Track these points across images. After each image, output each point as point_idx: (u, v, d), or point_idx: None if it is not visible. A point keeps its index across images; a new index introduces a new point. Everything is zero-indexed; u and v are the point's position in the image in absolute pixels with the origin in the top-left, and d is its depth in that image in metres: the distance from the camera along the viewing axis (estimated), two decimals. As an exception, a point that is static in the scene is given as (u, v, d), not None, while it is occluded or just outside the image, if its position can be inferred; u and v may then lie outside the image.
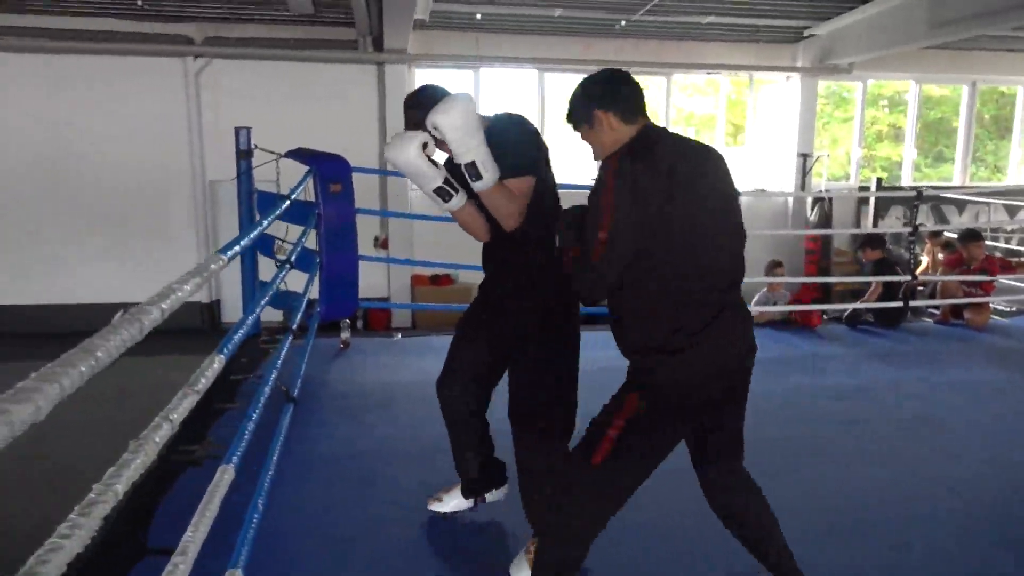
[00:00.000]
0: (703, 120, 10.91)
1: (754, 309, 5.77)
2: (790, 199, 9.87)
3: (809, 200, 9.55)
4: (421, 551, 2.46)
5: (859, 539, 2.50)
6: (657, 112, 9.82)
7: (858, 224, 9.76)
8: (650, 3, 7.89)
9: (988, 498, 2.82)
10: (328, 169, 4.30)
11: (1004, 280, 6.22)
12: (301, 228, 4.25)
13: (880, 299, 5.70)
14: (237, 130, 4.65)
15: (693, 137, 2.24)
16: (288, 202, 3.18)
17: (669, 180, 1.73)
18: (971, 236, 5.95)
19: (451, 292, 8.77)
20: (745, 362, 1.90)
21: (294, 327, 3.70)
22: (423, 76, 8.87)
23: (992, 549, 2.46)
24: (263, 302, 3.04)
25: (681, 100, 11.06)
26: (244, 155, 4.62)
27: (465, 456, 2.44)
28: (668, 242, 1.75)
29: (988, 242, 9.22)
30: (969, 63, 10.20)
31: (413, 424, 3.48)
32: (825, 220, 9.32)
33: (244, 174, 4.65)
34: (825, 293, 8.30)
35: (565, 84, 9.62)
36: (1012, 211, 10.09)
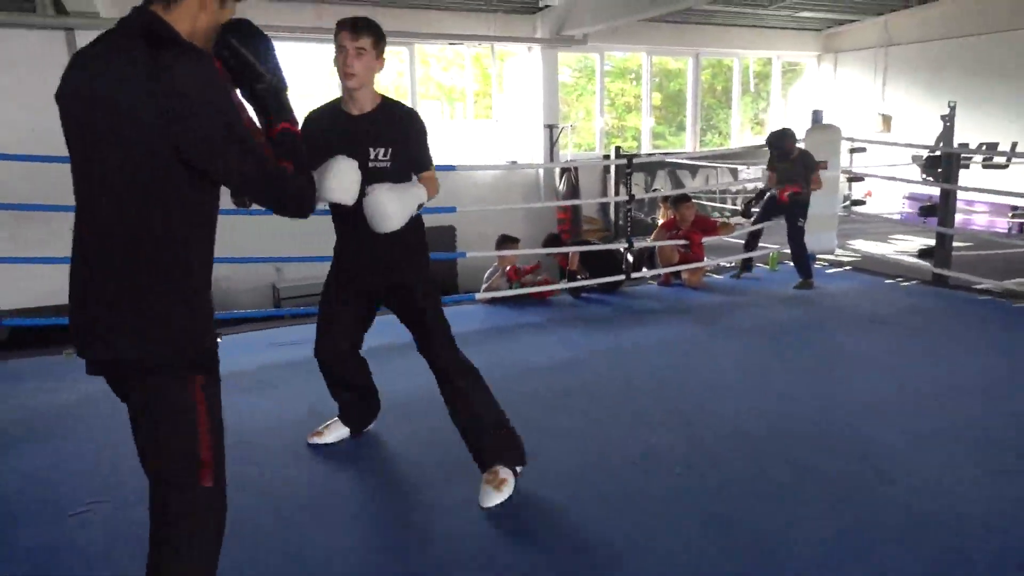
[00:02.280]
0: (454, 92, 10.76)
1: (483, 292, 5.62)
2: (540, 171, 9.98)
3: (557, 171, 9.72)
4: None
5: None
6: (403, 85, 9.46)
7: (604, 192, 10.11)
8: (377, -33, 7.44)
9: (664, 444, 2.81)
10: None
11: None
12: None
13: (596, 265, 5.82)
14: None
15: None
16: None
17: None
18: (680, 199, 6.24)
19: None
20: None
21: None
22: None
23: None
24: None
25: (437, 73, 10.83)
26: None
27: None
28: None
29: (717, 204, 9.94)
30: (692, 36, 10.92)
31: None
32: (573, 190, 9.53)
33: None
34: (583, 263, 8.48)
35: (296, 52, 8.94)
36: (736, 173, 10.99)
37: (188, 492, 1.53)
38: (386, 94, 2.50)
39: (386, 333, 3.34)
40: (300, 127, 1.67)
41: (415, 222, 2.48)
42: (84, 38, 7.36)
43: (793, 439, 3.03)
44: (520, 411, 2.82)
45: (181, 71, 1.35)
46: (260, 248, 5.72)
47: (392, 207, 2.25)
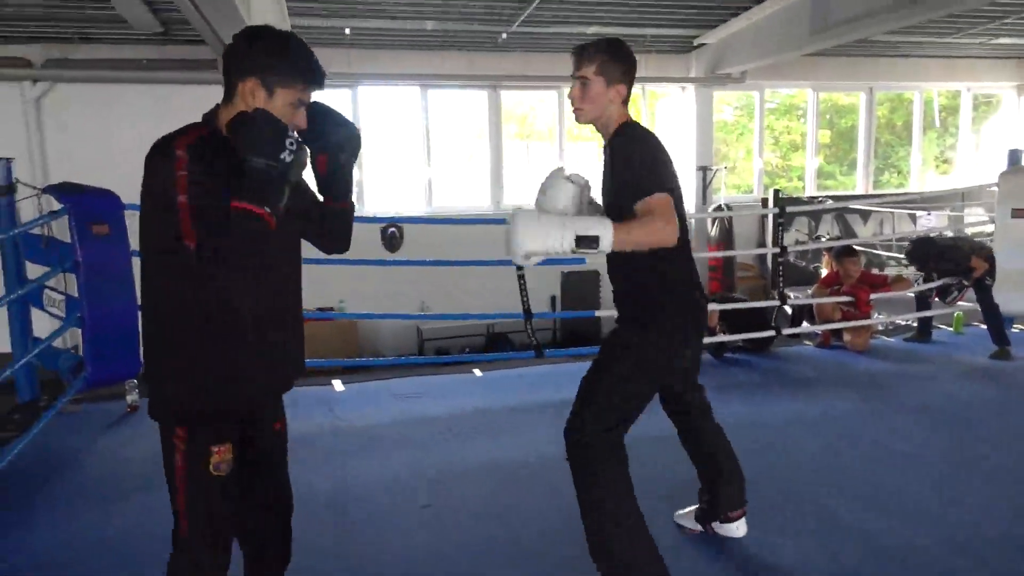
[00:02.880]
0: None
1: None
2: (692, 218, 9.52)
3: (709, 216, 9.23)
4: None
5: None
6: (552, 127, 9.42)
7: (762, 237, 9.46)
8: (525, 13, 7.47)
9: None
10: (88, 206, 3.72)
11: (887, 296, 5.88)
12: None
13: (752, 322, 5.31)
14: (-5, 162, 4.06)
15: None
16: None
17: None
18: (844, 252, 5.60)
19: (334, 328, 8.17)
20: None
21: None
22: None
23: None
24: (20, 362, 3.16)
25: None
26: (3, 191, 4.01)
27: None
28: None
29: (892, 253, 8.98)
30: (864, 70, 10.05)
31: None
32: (726, 234, 8.99)
33: (3, 211, 4.05)
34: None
35: (449, 101, 9.16)
36: (915, 219, 9.91)
37: (173, 536, 1.74)
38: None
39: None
40: None
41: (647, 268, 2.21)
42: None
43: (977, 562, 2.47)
44: (650, 496, 2.50)
45: None
46: (408, 291, 5.75)
47: (517, 233, 1.91)
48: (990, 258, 5.22)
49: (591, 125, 2.30)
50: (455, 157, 9.17)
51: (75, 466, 3.49)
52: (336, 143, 1.81)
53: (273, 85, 1.64)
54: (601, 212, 2.28)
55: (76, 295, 3.74)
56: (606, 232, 1.91)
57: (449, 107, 9.19)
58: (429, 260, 6.10)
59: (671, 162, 2.17)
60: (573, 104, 2.26)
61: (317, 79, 1.72)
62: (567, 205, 2.22)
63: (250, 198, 1.55)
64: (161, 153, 1.60)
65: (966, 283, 5.34)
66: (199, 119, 1.74)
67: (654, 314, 2.24)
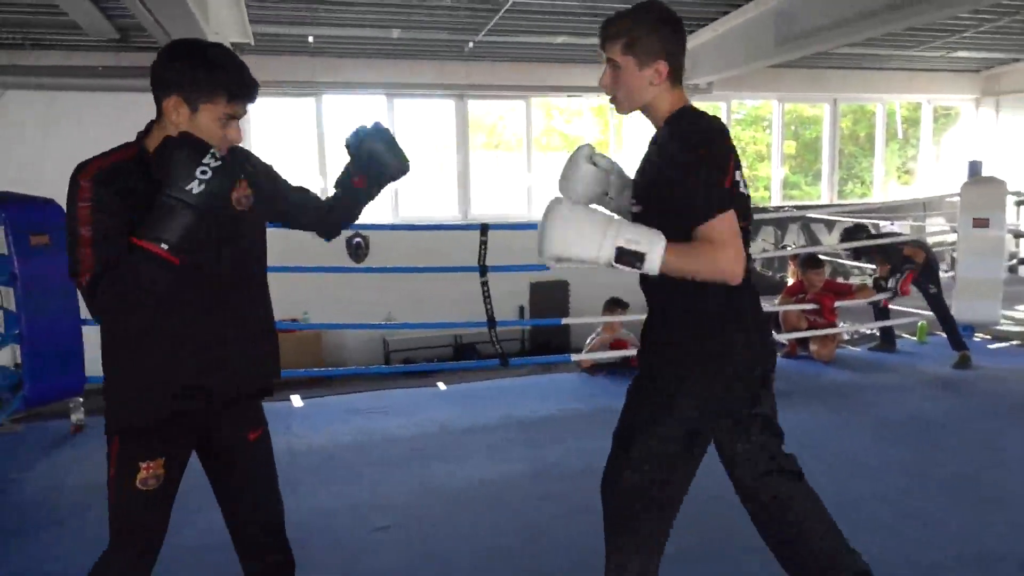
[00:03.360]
0: (578, 143, 10.57)
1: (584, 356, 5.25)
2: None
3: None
4: None
5: None
6: (520, 138, 9.37)
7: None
8: (491, 22, 7.41)
9: None
10: (25, 216, 3.55)
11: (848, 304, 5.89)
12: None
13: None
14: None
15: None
16: None
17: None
18: (809, 262, 5.61)
19: (297, 340, 8.00)
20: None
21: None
22: (261, 104, 8.15)
23: None
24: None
25: (560, 124, 10.73)
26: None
27: None
28: None
29: (857, 263, 9.08)
30: (828, 82, 10.18)
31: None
32: (694, 245, 8.99)
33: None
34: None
35: (416, 110, 9.07)
36: (878, 228, 10.02)
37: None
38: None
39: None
40: None
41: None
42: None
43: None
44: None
45: None
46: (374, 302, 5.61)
47: (549, 231, 1.69)
48: (925, 248, 5.30)
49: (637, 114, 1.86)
50: (422, 167, 9.08)
51: (12, 490, 3.30)
52: (386, 175, 1.94)
53: (195, 101, 1.57)
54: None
55: (14, 310, 3.57)
56: (655, 250, 1.62)
57: (416, 116, 9.10)
58: (394, 267, 5.99)
59: (737, 166, 1.72)
60: (606, 92, 1.85)
61: (243, 92, 1.61)
62: (587, 193, 1.94)
63: (147, 235, 1.50)
64: (72, 180, 1.57)
65: (906, 271, 5.29)
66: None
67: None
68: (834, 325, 5.48)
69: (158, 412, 1.67)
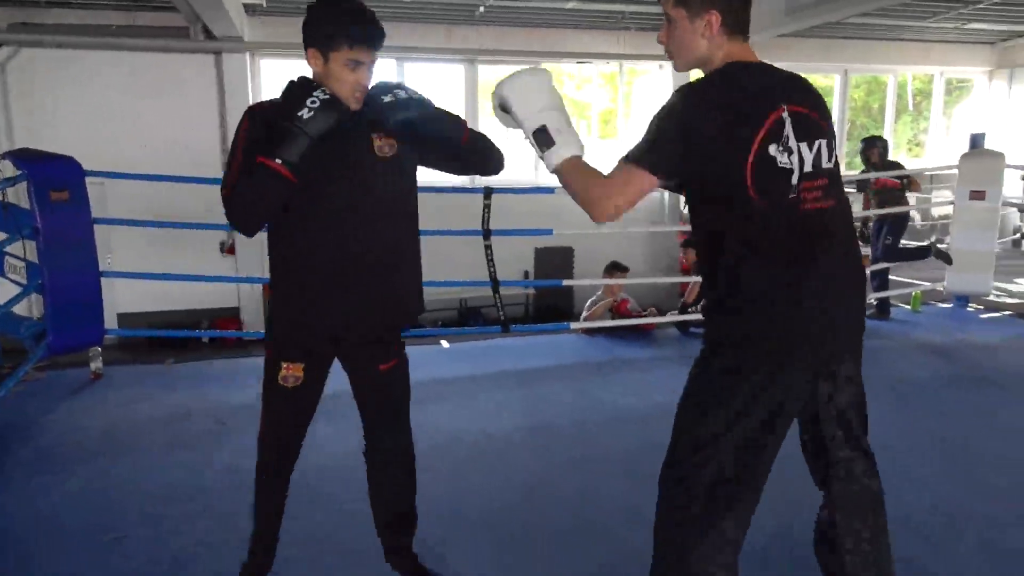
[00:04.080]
0: (588, 110, 10.58)
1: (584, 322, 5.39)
2: (665, 193, 9.58)
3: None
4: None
5: None
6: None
7: (734, 217, 9.55)
8: (502, -13, 7.42)
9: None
10: (47, 173, 3.70)
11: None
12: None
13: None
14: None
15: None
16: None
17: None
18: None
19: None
20: None
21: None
22: (269, 67, 8.22)
23: None
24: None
25: (571, 91, 10.72)
26: (-39, 158, 3.97)
27: None
28: None
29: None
30: (840, 52, 10.11)
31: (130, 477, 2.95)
32: (698, 213, 9.06)
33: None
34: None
35: (425, 74, 9.11)
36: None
37: None
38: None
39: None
40: None
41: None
42: (231, 62, 7.87)
43: (914, 532, 2.58)
44: (605, 474, 2.57)
45: None
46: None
47: (512, 79, 1.76)
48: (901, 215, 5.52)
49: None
50: (430, 131, 9.16)
51: (36, 432, 3.51)
52: (397, 126, 1.89)
53: (325, 50, 1.83)
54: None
55: (37, 262, 3.74)
56: (563, 150, 1.68)
57: (425, 81, 9.14)
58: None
59: (774, 138, 1.56)
60: (664, 49, 1.79)
61: (361, 40, 1.82)
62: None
63: (266, 152, 1.76)
64: (242, 115, 1.92)
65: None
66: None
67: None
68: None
69: (295, 329, 1.97)
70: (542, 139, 1.69)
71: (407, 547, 2.24)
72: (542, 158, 1.71)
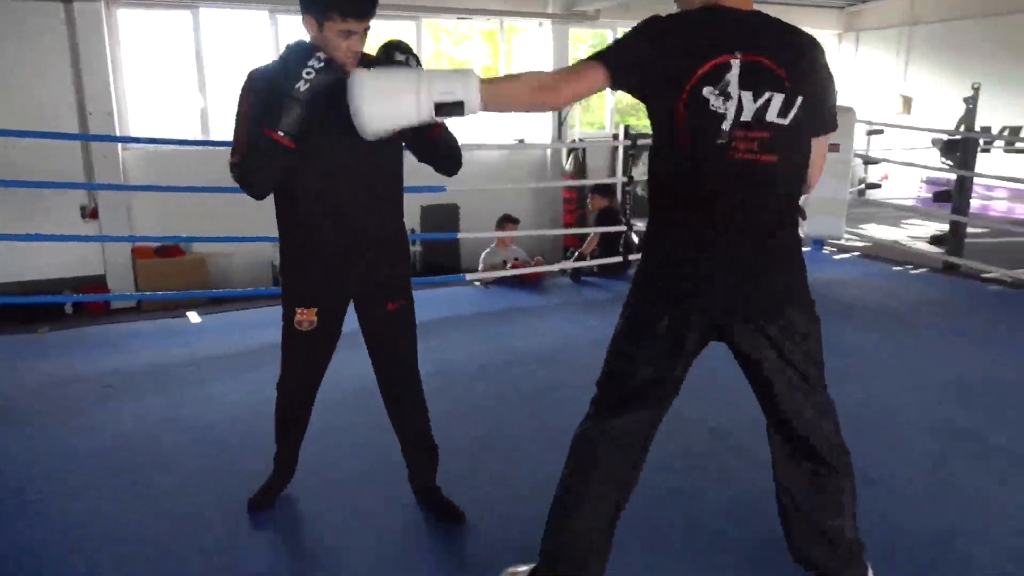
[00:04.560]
0: (484, 71, 10.54)
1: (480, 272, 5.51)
2: (548, 150, 9.80)
3: (564, 150, 9.53)
4: None
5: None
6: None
7: (612, 173, 9.91)
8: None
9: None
10: None
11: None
12: None
13: (605, 249, 5.66)
14: None
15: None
16: None
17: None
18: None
19: (182, 265, 7.82)
20: None
21: None
22: (128, 18, 7.64)
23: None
24: None
25: (449, 48, 10.63)
26: None
27: None
28: None
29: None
30: (707, 12, 10.59)
31: None
32: (580, 169, 9.35)
33: None
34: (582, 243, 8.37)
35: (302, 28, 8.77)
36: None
37: None
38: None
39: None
40: None
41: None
42: (84, 12, 7.26)
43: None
44: (503, 407, 2.70)
45: None
46: (260, 226, 5.57)
47: (358, 100, 1.66)
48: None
49: None
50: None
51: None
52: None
53: (320, 19, 1.92)
54: None
55: None
56: (470, 92, 1.60)
57: (302, 34, 8.80)
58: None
59: (688, 66, 1.60)
60: None
61: (352, 11, 1.91)
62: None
63: (269, 124, 1.88)
64: (244, 81, 2.03)
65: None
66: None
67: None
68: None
69: (303, 275, 2.14)
70: (449, 111, 1.63)
71: (431, 483, 2.41)
72: (464, 115, 1.63)
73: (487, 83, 1.63)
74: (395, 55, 1.93)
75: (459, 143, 2.16)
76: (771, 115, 1.62)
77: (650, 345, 1.73)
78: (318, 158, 1.99)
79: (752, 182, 1.64)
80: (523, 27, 9.84)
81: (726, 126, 1.60)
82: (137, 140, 7.34)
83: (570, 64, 1.70)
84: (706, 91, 1.59)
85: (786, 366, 1.71)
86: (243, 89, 2.01)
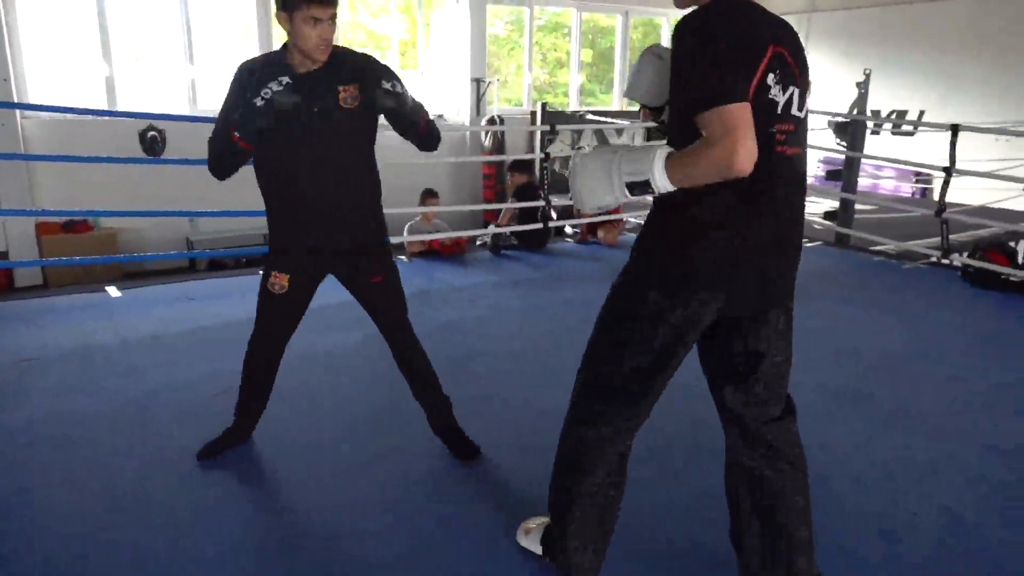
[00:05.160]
0: (384, 40, 10.46)
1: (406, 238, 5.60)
2: (468, 132, 9.88)
3: (483, 126, 9.64)
4: None
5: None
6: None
7: (531, 149, 10.09)
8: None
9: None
10: None
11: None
12: None
13: (524, 222, 5.84)
14: None
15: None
16: None
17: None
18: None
19: (91, 240, 7.53)
20: None
21: None
22: (24, -23, 7.23)
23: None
24: None
25: (366, 19, 10.48)
26: None
27: None
28: None
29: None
30: (622, -6, 10.84)
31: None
32: (499, 146, 9.48)
33: None
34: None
35: (218, 8, 8.51)
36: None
37: None
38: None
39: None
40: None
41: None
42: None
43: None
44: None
45: None
46: (174, 200, 5.51)
47: (579, 191, 1.65)
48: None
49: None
50: (222, 59, 8.63)
51: None
52: (383, 109, 2.26)
53: (290, 11, 2.08)
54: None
55: None
56: (656, 170, 1.51)
57: (215, 7, 8.54)
58: (196, 159, 5.83)
59: (770, 68, 1.53)
60: None
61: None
62: (650, 84, 1.77)
63: (230, 121, 2.17)
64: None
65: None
66: None
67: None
68: (619, 214, 6.26)
69: (280, 244, 2.37)
70: (641, 191, 1.56)
71: (450, 423, 2.66)
72: (655, 192, 1.55)
73: (672, 159, 1.52)
74: (382, 84, 2.17)
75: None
76: (794, 108, 1.61)
77: (681, 332, 1.72)
78: (289, 137, 2.19)
79: (791, 174, 1.64)
80: (439, 2, 9.84)
81: (774, 116, 1.57)
82: (39, 108, 7.01)
83: (710, 120, 1.46)
84: (769, 79, 1.54)
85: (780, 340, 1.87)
86: (232, 79, 2.26)
